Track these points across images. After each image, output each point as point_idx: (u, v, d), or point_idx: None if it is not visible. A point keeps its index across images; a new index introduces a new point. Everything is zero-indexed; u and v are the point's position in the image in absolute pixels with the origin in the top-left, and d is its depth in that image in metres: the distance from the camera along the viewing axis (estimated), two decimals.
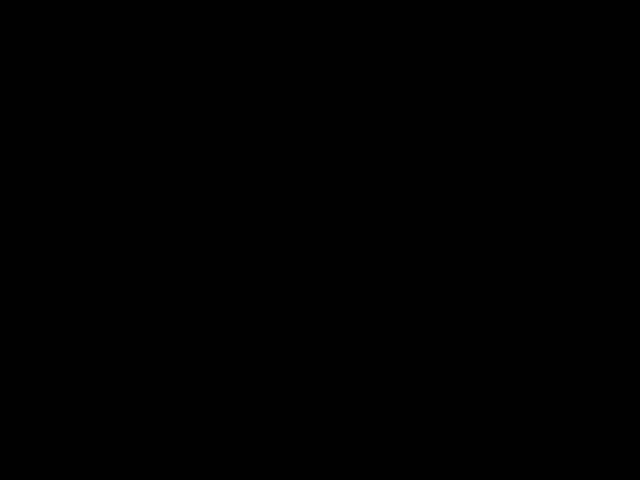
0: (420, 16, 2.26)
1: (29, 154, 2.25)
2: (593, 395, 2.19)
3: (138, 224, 2.24)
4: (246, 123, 2.27)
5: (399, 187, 2.25)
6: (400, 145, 2.25)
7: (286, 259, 2.24)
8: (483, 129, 2.25)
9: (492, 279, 2.22)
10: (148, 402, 2.21)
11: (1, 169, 2.24)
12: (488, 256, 2.23)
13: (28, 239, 2.23)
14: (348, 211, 2.24)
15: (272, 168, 2.26)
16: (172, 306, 2.23)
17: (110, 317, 2.22)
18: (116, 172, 2.25)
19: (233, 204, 2.25)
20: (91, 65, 2.26)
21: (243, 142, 2.26)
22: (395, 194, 2.25)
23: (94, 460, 2.19)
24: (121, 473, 2.19)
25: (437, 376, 2.21)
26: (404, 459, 2.19)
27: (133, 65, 2.26)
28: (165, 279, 2.23)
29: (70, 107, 2.26)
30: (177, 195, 2.25)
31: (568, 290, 2.22)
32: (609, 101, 2.24)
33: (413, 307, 2.22)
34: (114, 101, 2.26)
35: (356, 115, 2.26)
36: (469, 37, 2.25)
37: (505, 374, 2.20)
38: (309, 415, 2.21)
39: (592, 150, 2.24)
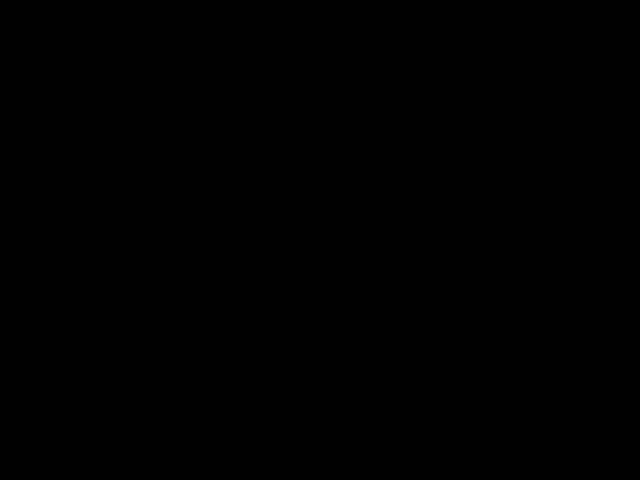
0: (420, 16, 2.26)
1: (29, 154, 2.25)
2: (593, 395, 2.20)
3: (138, 224, 2.24)
4: (246, 123, 2.27)
5: (399, 187, 2.25)
6: (400, 145, 2.25)
7: (286, 259, 2.24)
8: (483, 129, 2.25)
9: (492, 279, 2.22)
10: (148, 402, 2.21)
11: (1, 169, 2.24)
12: (488, 256, 2.23)
13: (28, 239, 2.23)
14: (348, 211, 2.24)
15: (272, 168, 2.26)
16: (172, 306, 2.23)
17: (110, 317, 2.22)
18: (116, 172, 2.25)
19: (233, 204, 2.25)
20: (91, 65, 2.26)
21: (243, 142, 2.26)
22: (395, 194, 2.25)
23: (94, 460, 2.19)
24: (121, 473, 2.19)
25: (437, 376, 2.21)
26: (404, 459, 2.19)
27: (133, 65, 2.26)
28: (165, 279, 2.24)
29: (70, 107, 2.26)
30: (177, 195, 2.25)
31: (568, 290, 2.22)
32: (609, 101, 2.25)
33: (413, 307, 2.22)
34: (114, 101, 2.26)
35: (356, 115, 2.26)
36: (469, 37, 2.26)
37: (505, 374, 2.21)
38: (309, 415, 2.21)
39: (592, 150, 2.24)
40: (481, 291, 2.22)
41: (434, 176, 2.25)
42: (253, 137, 2.26)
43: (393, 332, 2.22)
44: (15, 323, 2.21)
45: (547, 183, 2.24)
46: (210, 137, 2.26)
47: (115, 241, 2.24)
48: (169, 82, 2.26)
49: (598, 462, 2.18)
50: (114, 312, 2.22)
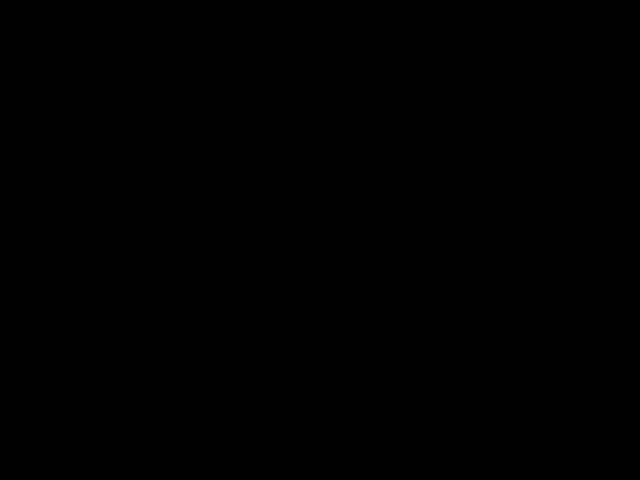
0: (420, 16, 2.26)
1: (29, 154, 2.25)
2: (593, 395, 2.20)
3: (138, 224, 2.24)
4: (246, 123, 2.27)
5: (399, 187, 2.25)
6: (400, 145, 2.26)
7: (286, 259, 2.24)
8: (483, 129, 2.25)
9: (492, 279, 2.23)
10: (148, 402, 2.21)
11: (1, 169, 2.25)
12: (488, 256, 2.23)
13: (28, 239, 2.23)
14: (348, 211, 2.24)
15: (272, 168, 2.26)
16: (172, 306, 2.23)
17: (110, 317, 2.22)
18: (116, 172, 2.25)
19: (233, 204, 2.25)
20: (91, 65, 2.26)
21: (243, 142, 2.26)
22: (395, 194, 2.25)
23: (94, 460, 2.19)
24: (121, 473, 2.19)
25: (437, 376, 2.21)
26: (404, 459, 2.19)
27: (133, 65, 2.27)
28: (165, 279, 2.24)
29: (70, 107, 2.26)
30: (177, 195, 2.25)
31: (568, 290, 2.22)
32: (609, 101, 2.25)
33: (413, 307, 2.23)
34: (114, 101, 2.26)
35: (356, 115, 2.26)
36: (469, 37, 2.26)
37: (505, 374, 2.21)
38: (309, 415, 2.21)
39: (592, 150, 2.24)
40: (481, 291, 2.22)
41: (434, 176, 2.25)
42: (253, 137, 2.27)
43: (393, 332, 2.22)
44: (15, 323, 2.21)
45: (547, 183, 2.24)
46: (210, 137, 2.26)
47: (114, 241, 2.24)
48: (169, 82, 2.26)
49: (598, 462, 2.18)
50: (114, 312, 2.22)
